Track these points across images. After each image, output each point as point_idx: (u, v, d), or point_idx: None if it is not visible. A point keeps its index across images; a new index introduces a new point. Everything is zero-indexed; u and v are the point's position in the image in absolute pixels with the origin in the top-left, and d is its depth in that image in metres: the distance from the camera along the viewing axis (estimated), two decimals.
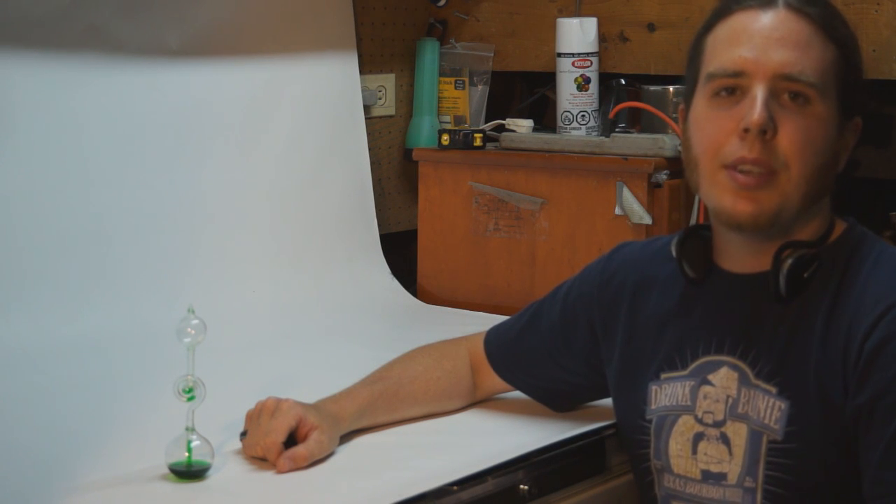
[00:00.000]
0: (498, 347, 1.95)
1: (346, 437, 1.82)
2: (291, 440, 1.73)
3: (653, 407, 1.72)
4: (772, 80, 1.59)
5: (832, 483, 1.58)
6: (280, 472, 1.69)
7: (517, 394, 1.98)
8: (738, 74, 1.60)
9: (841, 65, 1.62)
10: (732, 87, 1.61)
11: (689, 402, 1.68)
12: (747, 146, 1.58)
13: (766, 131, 1.57)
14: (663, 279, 1.77)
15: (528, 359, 1.92)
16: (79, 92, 2.34)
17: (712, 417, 1.66)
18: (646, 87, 2.66)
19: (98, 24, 2.34)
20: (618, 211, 2.52)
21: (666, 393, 1.71)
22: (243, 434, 1.78)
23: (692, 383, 1.68)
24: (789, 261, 1.61)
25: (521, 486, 1.75)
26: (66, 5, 2.29)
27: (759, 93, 1.58)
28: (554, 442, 1.84)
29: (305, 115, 2.70)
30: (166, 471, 1.67)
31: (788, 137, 1.58)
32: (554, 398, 1.94)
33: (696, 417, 1.67)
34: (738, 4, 1.64)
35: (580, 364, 1.87)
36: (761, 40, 1.60)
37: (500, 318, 2.04)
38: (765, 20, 1.61)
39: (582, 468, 1.86)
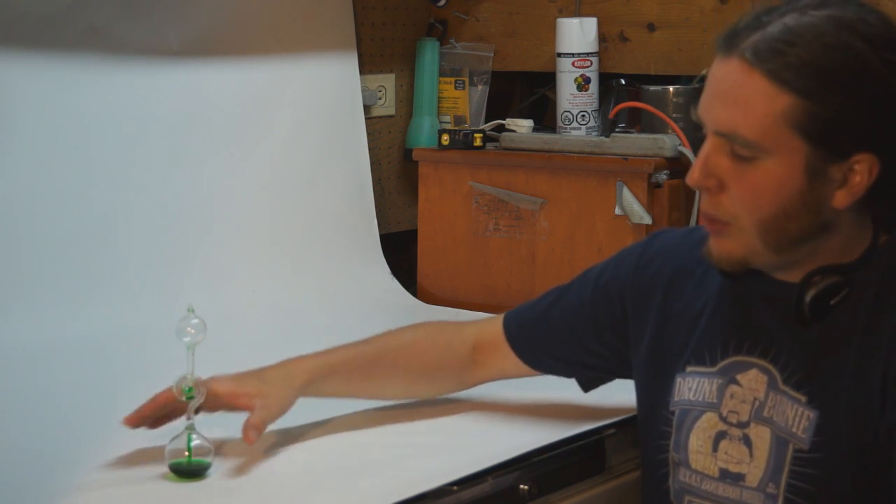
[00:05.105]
0: (520, 326, 1.90)
1: (346, 437, 1.82)
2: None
3: (676, 399, 1.71)
4: (715, 136, 1.57)
5: (856, 497, 1.57)
6: (250, 444, 1.70)
7: (517, 394, 1.98)
8: (701, 125, 1.61)
9: (804, 113, 1.52)
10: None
11: (715, 400, 1.67)
12: (703, 198, 1.60)
13: (710, 187, 1.57)
14: (700, 272, 1.74)
15: (551, 338, 1.88)
16: (79, 92, 2.34)
17: (737, 417, 1.64)
18: (646, 87, 2.65)
19: (98, 24, 2.34)
20: (618, 211, 2.52)
21: (689, 387, 1.70)
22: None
23: (720, 381, 1.67)
24: (813, 290, 1.58)
25: (521, 486, 1.74)
26: (66, 5, 2.29)
27: (703, 148, 1.58)
28: (554, 442, 1.84)
29: (305, 115, 2.70)
30: (166, 471, 1.67)
31: (732, 194, 1.56)
32: (573, 375, 1.92)
33: (720, 415, 1.66)
34: (718, 48, 1.59)
35: (604, 346, 1.84)
36: (709, 94, 1.58)
37: None
38: (718, 72, 1.57)
39: (582, 468, 1.86)
